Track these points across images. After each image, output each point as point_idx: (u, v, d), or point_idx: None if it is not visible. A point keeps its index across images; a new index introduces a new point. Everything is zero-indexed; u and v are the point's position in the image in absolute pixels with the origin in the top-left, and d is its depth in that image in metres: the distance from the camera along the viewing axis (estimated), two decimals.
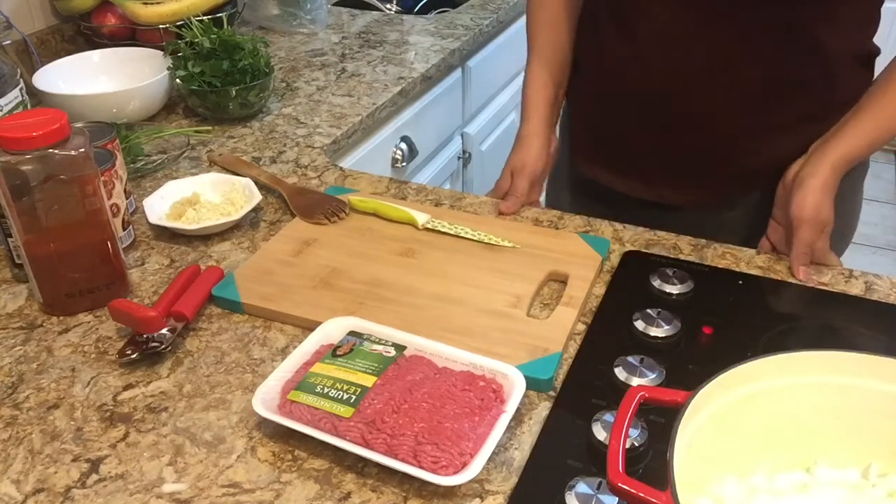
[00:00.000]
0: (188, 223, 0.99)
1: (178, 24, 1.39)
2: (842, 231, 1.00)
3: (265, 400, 0.71)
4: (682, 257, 0.95)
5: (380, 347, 0.76)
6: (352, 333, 0.78)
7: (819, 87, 0.95)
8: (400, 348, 0.76)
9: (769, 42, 0.92)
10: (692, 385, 0.57)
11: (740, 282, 0.90)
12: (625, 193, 1.10)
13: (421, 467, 0.65)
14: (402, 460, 0.65)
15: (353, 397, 0.69)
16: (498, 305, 0.85)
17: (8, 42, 1.30)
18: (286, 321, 0.85)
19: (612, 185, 1.11)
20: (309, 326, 0.82)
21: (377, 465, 0.67)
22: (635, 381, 0.74)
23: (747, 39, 0.92)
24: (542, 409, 0.74)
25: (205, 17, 1.40)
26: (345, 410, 0.68)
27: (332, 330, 0.79)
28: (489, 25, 1.84)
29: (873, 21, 0.97)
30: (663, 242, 0.97)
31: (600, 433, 0.69)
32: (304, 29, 1.75)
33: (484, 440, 0.67)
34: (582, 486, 0.63)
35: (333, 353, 0.75)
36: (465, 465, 0.65)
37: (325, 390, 0.70)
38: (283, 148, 1.23)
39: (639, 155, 1.06)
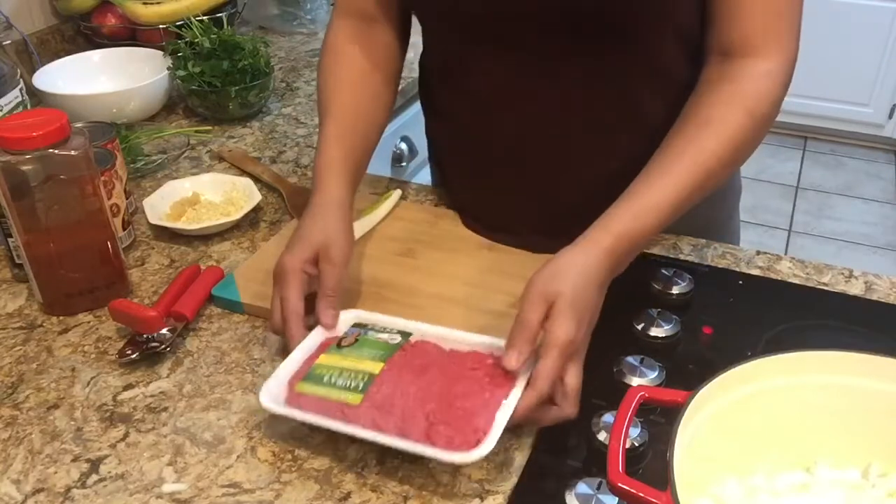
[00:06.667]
0: (188, 223, 0.99)
1: (178, 24, 1.39)
2: None
3: (272, 395, 0.70)
4: (682, 257, 0.95)
5: (385, 335, 0.75)
6: (356, 325, 0.78)
7: (665, 121, 0.84)
8: (405, 335, 0.75)
9: (607, 84, 0.85)
10: (692, 385, 0.57)
11: (740, 282, 0.90)
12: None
13: (435, 447, 0.64)
14: (416, 442, 0.64)
15: (361, 384, 0.68)
16: (498, 305, 0.85)
17: (8, 42, 1.30)
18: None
19: (481, 235, 0.98)
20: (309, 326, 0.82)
21: (377, 465, 0.67)
22: (635, 381, 0.74)
23: (586, 83, 0.85)
24: None
25: (205, 17, 1.40)
26: (353, 398, 0.67)
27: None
28: None
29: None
30: (663, 242, 0.97)
31: (600, 433, 0.69)
32: (304, 29, 1.74)
33: (496, 415, 0.66)
34: (582, 486, 0.63)
35: (338, 344, 0.75)
36: (479, 442, 0.64)
37: (333, 379, 0.70)
38: (283, 148, 1.23)
39: (505, 210, 0.95)
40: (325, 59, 0.95)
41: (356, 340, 0.74)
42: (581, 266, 0.71)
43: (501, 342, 0.72)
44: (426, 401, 0.67)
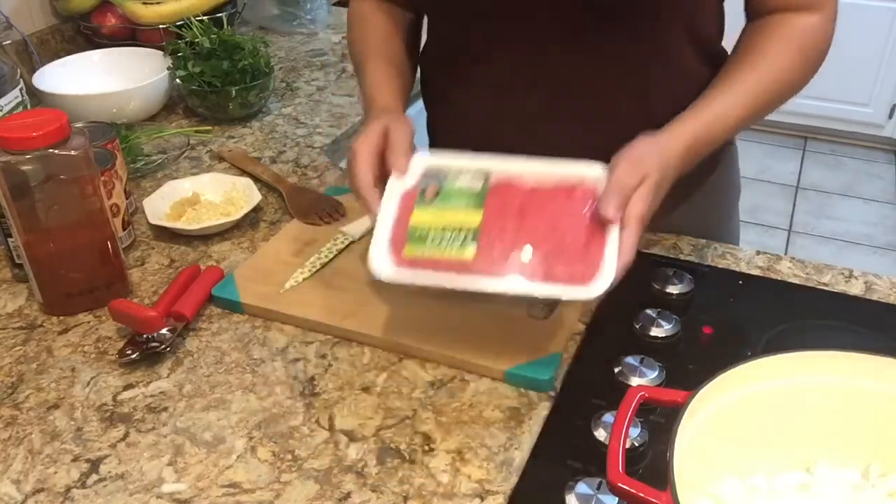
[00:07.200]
0: (188, 223, 0.99)
1: (178, 24, 1.39)
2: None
3: (382, 264, 0.71)
4: (682, 257, 0.95)
5: (465, 182, 0.75)
6: (427, 175, 0.77)
7: (663, 110, 0.85)
8: (485, 178, 0.75)
9: (617, 77, 0.87)
10: (692, 385, 0.57)
11: (740, 282, 0.90)
12: None
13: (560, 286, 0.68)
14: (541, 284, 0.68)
15: (469, 237, 0.71)
16: (498, 305, 0.85)
17: (8, 42, 1.30)
18: (286, 321, 0.85)
19: None
20: (309, 327, 0.82)
21: (377, 465, 0.67)
22: (635, 381, 0.74)
23: (595, 73, 0.87)
24: (542, 409, 0.74)
25: (205, 17, 1.40)
26: (466, 253, 0.70)
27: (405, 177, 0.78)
28: None
29: (716, 28, 0.91)
30: (663, 242, 0.97)
31: (600, 433, 0.69)
32: (304, 29, 1.75)
33: (603, 246, 0.69)
34: (582, 486, 0.63)
35: (422, 197, 0.75)
36: (593, 276, 0.68)
37: (437, 239, 0.71)
38: (283, 148, 1.23)
39: None
40: (353, 27, 1.00)
41: (437, 193, 0.75)
42: (663, 159, 0.75)
43: (575, 167, 0.74)
44: (539, 244, 0.69)
